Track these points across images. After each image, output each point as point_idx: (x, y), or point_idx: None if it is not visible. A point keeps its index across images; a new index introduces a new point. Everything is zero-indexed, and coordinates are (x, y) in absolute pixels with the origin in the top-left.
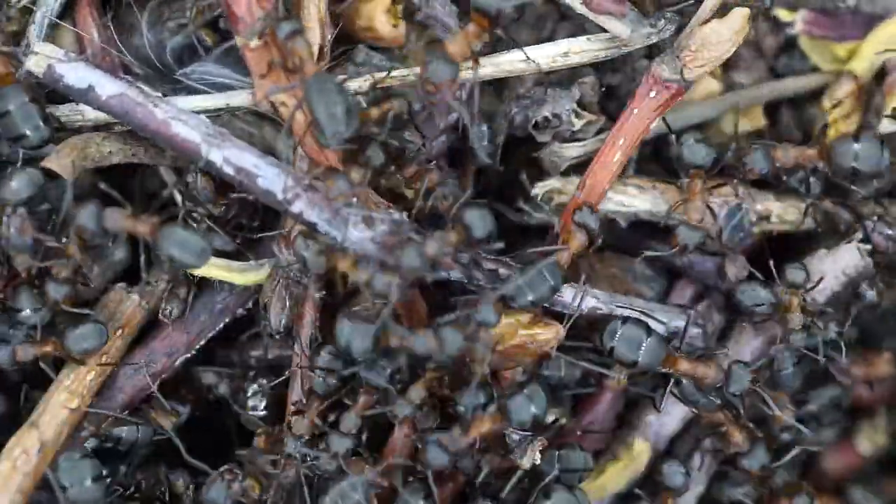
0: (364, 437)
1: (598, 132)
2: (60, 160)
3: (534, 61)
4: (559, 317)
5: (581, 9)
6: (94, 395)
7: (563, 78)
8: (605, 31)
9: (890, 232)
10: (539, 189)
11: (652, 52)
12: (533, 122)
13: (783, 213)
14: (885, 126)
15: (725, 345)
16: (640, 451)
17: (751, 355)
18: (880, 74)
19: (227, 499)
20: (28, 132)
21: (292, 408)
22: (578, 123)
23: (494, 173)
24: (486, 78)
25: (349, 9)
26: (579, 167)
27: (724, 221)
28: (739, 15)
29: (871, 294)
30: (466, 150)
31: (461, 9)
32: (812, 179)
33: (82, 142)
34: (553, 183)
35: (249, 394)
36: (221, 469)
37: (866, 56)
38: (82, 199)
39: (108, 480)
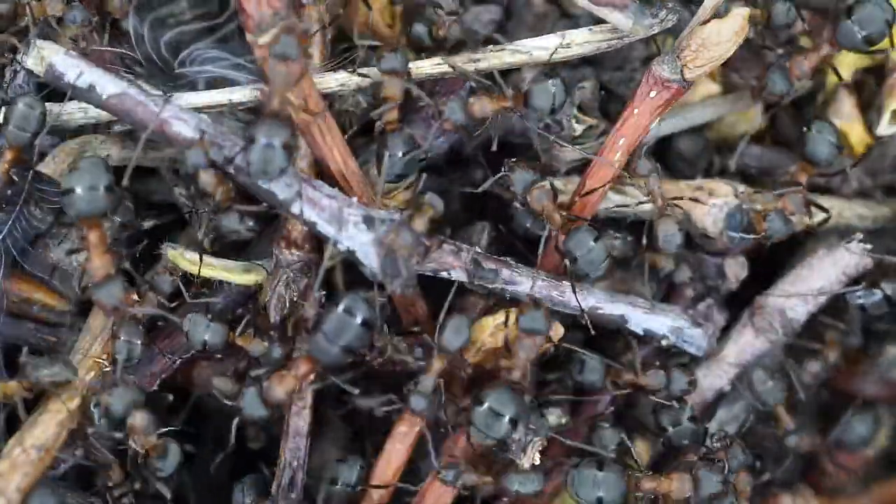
0: None
1: (601, 135)
2: (56, 165)
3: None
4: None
5: (583, 1)
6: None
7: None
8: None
9: None
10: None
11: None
12: None
13: None
14: (885, 128)
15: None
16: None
17: (751, 355)
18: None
19: None
20: None
21: None
22: (579, 129)
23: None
24: (488, 70)
25: (348, 8)
26: (580, 168)
27: (724, 221)
28: (739, 15)
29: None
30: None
31: None
32: None
33: (79, 145)
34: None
35: None
36: None
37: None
38: None
39: None
